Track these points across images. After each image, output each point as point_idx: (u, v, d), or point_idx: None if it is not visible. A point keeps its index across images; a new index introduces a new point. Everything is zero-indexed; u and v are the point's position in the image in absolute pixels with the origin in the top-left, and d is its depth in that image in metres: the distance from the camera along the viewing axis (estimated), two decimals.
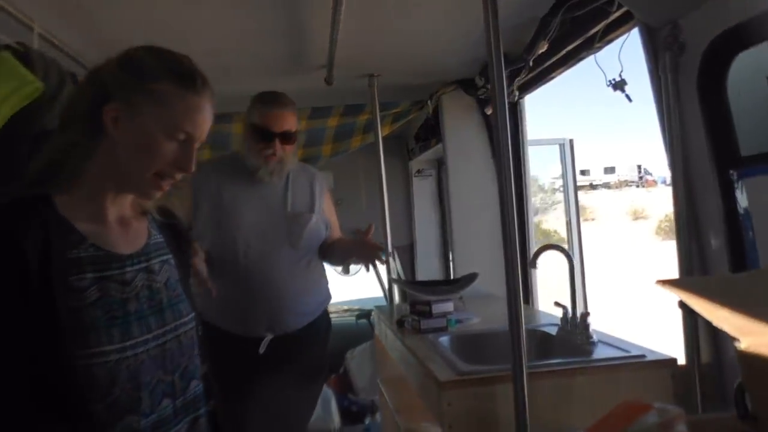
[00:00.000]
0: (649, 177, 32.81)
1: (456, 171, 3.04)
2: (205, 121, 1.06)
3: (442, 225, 3.89)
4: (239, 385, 2.03)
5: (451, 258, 3.39)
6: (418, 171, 3.90)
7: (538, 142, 3.16)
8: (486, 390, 1.54)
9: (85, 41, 2.10)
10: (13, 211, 0.97)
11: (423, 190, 3.96)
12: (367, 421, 3.50)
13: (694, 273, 1.60)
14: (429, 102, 3.16)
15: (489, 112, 2.90)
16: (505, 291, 1.40)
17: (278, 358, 2.09)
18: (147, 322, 1.05)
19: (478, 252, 2.87)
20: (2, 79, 1.22)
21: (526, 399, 1.37)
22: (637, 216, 24.85)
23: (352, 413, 3.55)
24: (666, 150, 1.65)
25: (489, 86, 1.50)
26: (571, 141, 3.06)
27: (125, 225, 1.11)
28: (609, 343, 1.75)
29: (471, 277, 2.43)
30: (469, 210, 2.99)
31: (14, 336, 0.93)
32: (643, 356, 1.61)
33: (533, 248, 2.82)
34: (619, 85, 1.79)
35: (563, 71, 2.34)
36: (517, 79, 2.44)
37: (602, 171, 35.15)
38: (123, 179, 1.06)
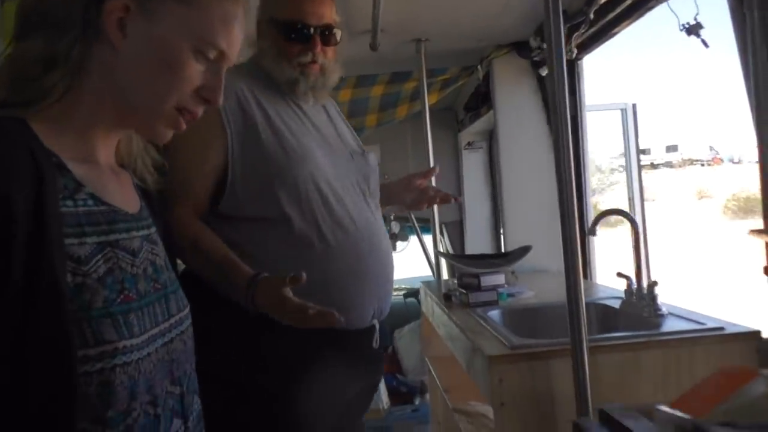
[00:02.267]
0: (714, 155, 31.39)
1: (508, 139, 2.87)
2: (239, 39, 0.81)
3: (493, 200, 3.74)
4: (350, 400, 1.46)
5: (502, 233, 3.24)
6: (468, 143, 3.74)
7: (598, 107, 2.95)
8: (542, 365, 1.40)
9: None
10: None
11: (473, 164, 3.81)
12: (417, 401, 3.40)
13: None
14: (479, 67, 3.00)
15: (545, 73, 2.70)
16: (562, 264, 1.26)
17: (380, 355, 1.57)
18: (154, 311, 0.76)
19: (532, 225, 2.71)
20: None
21: (587, 375, 1.24)
22: (702, 195, 24.02)
23: (401, 394, 3.45)
24: (750, 103, 1.46)
25: (545, 45, 1.33)
26: (634, 106, 2.85)
27: (117, 174, 0.81)
28: (680, 315, 1.59)
29: (524, 250, 2.29)
30: (521, 180, 2.83)
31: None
32: (722, 329, 1.44)
33: (590, 220, 2.63)
34: (693, 29, 1.60)
35: (628, 25, 2.13)
36: (575, 35, 2.25)
37: (664, 150, 33.74)
38: (128, 109, 0.76)
